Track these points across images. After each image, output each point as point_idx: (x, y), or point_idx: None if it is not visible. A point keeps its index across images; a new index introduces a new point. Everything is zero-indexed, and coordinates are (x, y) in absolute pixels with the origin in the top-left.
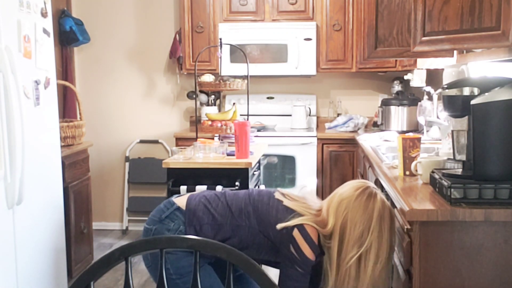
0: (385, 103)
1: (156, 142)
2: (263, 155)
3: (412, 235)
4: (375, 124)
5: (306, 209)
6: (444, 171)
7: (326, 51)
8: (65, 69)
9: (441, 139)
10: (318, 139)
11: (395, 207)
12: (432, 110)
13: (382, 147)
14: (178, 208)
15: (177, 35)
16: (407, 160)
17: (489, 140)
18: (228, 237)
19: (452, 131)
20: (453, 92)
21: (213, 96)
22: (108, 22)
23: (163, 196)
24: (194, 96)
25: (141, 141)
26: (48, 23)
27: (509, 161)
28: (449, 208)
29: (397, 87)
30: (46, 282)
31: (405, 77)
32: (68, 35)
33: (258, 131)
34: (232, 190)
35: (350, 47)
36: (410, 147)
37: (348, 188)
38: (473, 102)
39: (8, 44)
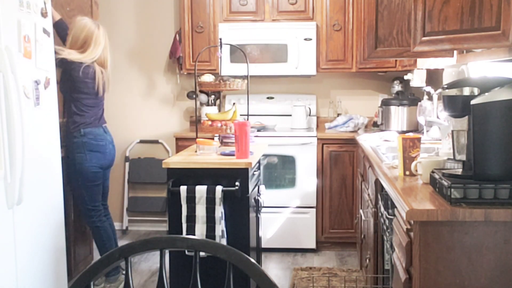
0: (385, 103)
1: (156, 142)
2: (263, 155)
3: (412, 235)
4: (375, 124)
5: None
6: (444, 171)
7: (326, 51)
8: None
9: (441, 139)
10: (318, 139)
11: (395, 207)
12: (432, 110)
13: (382, 147)
14: None
15: (177, 35)
16: (407, 160)
17: (489, 140)
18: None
19: (452, 131)
20: (453, 92)
21: (213, 96)
22: (108, 22)
23: (163, 196)
24: (194, 96)
25: (141, 141)
26: (48, 23)
27: (509, 161)
28: (449, 208)
29: (397, 87)
30: (46, 282)
31: (405, 77)
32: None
33: (258, 131)
34: (231, 190)
35: (350, 47)
36: (410, 147)
37: None
38: (473, 102)
39: (8, 44)
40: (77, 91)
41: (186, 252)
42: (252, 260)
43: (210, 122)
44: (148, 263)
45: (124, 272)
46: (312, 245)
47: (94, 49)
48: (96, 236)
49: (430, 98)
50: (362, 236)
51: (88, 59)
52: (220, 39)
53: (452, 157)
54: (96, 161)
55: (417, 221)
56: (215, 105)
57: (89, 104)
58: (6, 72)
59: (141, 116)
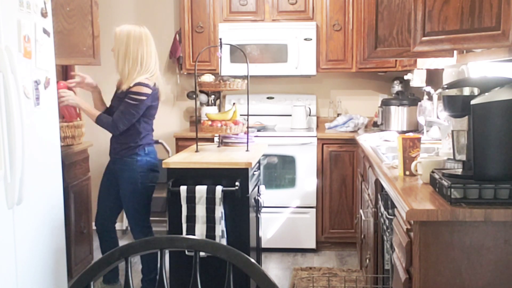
0: (385, 103)
1: (156, 142)
2: (263, 155)
3: (412, 235)
4: (375, 124)
5: None
6: (444, 171)
7: (326, 51)
8: (65, 69)
9: (441, 139)
10: (318, 139)
11: (395, 207)
12: (432, 110)
13: (382, 147)
14: None
15: (177, 35)
16: (407, 160)
17: (489, 140)
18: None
19: (452, 131)
20: (453, 92)
21: (213, 96)
22: (108, 22)
23: (163, 196)
24: (194, 96)
25: None
26: (48, 23)
27: (509, 161)
28: (449, 208)
29: (397, 87)
30: (46, 282)
31: (405, 77)
32: None
33: (258, 131)
34: (231, 190)
35: (350, 47)
36: (410, 147)
37: None
38: (473, 102)
39: (8, 44)
40: (150, 117)
41: (186, 252)
42: (252, 260)
43: (210, 122)
44: None
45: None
46: (312, 245)
47: (152, 60)
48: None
49: (430, 98)
50: (362, 236)
51: (153, 77)
52: (220, 39)
53: (452, 157)
54: (155, 180)
55: (417, 221)
56: (215, 105)
57: (150, 128)
58: (6, 72)
59: None
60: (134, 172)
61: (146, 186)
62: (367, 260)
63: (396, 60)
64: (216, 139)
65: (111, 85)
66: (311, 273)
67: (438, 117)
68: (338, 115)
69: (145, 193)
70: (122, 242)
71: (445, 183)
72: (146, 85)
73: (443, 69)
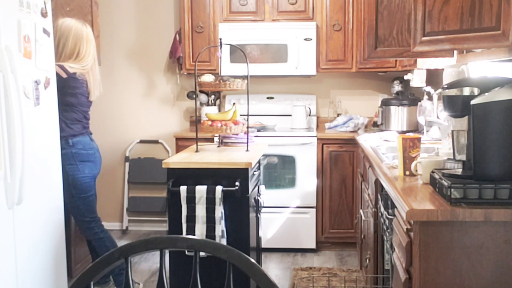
0: (385, 103)
1: (156, 142)
2: (263, 155)
3: (412, 235)
4: (375, 124)
5: None
6: (444, 171)
7: (326, 51)
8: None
9: (441, 139)
10: (318, 139)
11: (395, 207)
12: (432, 110)
13: (382, 147)
14: None
15: (177, 35)
16: (407, 160)
17: (489, 140)
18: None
19: (452, 131)
20: (453, 92)
21: (213, 96)
22: (108, 22)
23: (163, 196)
24: (194, 96)
25: (141, 141)
26: (48, 23)
27: (509, 161)
28: (449, 208)
29: (397, 87)
30: (46, 282)
31: (405, 77)
32: None
33: (258, 131)
34: (231, 190)
35: (350, 47)
36: (410, 147)
37: None
38: (473, 102)
39: (8, 44)
40: (68, 105)
41: (186, 252)
42: (252, 260)
43: (210, 122)
44: (148, 263)
45: (112, 282)
46: (312, 245)
47: (87, 55)
48: (102, 248)
49: (430, 98)
50: (362, 236)
51: (84, 70)
52: (220, 39)
53: (452, 157)
54: (89, 171)
55: (417, 221)
56: (215, 105)
57: (79, 118)
58: (6, 72)
59: (141, 116)
60: (62, 166)
61: (78, 178)
62: (367, 260)
63: (396, 60)
64: (216, 139)
65: (111, 84)
66: (311, 273)
67: (438, 117)
68: (338, 115)
69: (78, 186)
70: (122, 242)
71: (445, 183)
72: (64, 70)
73: (443, 69)
